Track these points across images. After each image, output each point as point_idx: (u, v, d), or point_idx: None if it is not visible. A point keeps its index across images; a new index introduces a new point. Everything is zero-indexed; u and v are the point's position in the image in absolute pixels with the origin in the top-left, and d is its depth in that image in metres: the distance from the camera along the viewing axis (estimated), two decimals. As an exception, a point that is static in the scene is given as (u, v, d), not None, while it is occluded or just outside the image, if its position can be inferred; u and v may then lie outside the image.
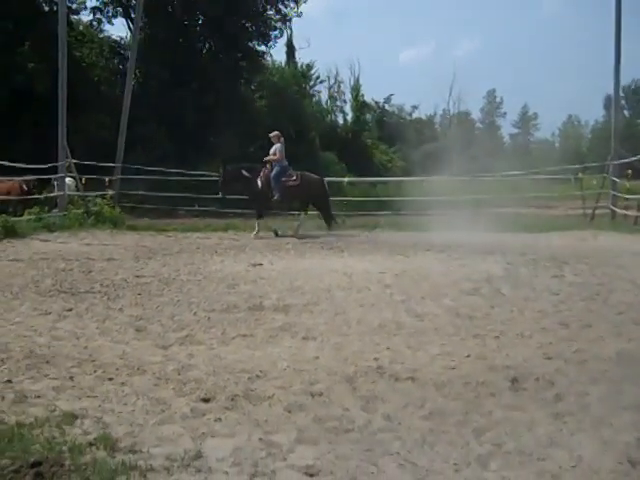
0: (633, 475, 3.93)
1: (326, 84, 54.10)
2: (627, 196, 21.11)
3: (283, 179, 18.20)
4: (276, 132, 18.89)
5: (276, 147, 18.47)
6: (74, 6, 36.61)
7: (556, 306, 8.55)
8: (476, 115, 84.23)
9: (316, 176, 19.56)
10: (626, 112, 71.32)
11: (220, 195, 19.50)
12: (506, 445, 4.35)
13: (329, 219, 19.22)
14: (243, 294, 9.49)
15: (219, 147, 34.07)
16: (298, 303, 8.83)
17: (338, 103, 54.39)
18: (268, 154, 18.58)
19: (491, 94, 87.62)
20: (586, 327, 7.42)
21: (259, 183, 18.39)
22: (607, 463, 4.06)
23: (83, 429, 4.56)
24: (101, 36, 38.88)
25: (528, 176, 28.77)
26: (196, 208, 25.02)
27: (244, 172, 18.64)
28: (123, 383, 5.57)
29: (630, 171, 22.00)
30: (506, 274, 10.97)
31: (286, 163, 18.57)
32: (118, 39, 39.35)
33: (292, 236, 17.89)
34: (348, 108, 52.72)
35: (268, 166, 18.46)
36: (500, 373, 5.77)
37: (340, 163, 40.38)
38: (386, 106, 61.68)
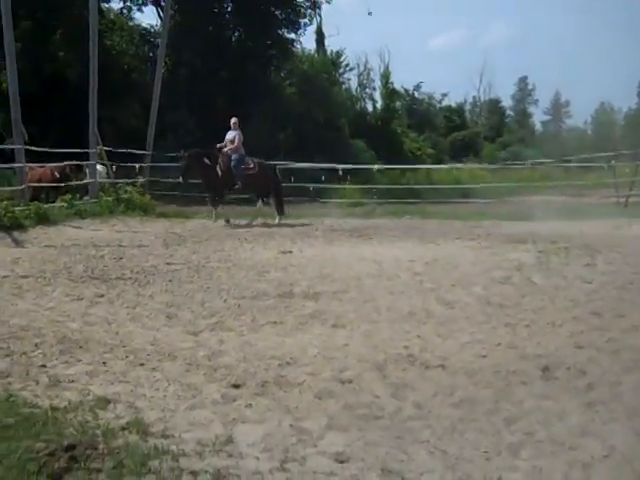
0: (666, 465, 3.89)
1: (356, 71, 53.89)
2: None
3: (242, 167, 17.84)
4: (235, 119, 18.52)
5: (235, 134, 18.14)
6: (105, -6, 36.80)
7: (588, 295, 8.46)
8: (507, 102, 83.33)
9: (269, 164, 19.37)
10: (661, 98, 70.06)
11: (182, 181, 19.13)
12: (537, 434, 4.33)
13: (281, 207, 18.72)
14: (273, 281, 9.51)
15: (249, 134, 34.10)
16: (328, 290, 8.84)
17: (367, 90, 54.15)
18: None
19: (522, 81, 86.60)
20: (619, 316, 7.33)
21: (219, 171, 17.95)
22: (640, 453, 4.03)
23: (116, 413, 4.62)
24: (131, 24, 39.01)
25: (560, 164, 28.45)
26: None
27: (205, 159, 18.19)
28: (154, 369, 5.62)
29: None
30: (537, 263, 10.88)
31: (243, 151, 18.18)
32: (148, 27, 39.52)
33: (247, 225, 17.67)
34: (377, 95, 52.44)
35: (224, 152, 18.05)
36: (531, 362, 5.73)
37: (369, 150, 40.22)
38: (416, 93, 61.36)
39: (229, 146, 18.03)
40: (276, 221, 18.10)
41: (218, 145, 18.27)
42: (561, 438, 4.25)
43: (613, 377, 5.32)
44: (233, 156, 17.86)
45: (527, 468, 3.89)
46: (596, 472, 3.85)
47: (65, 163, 20.27)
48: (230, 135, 18.23)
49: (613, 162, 24.81)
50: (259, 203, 18.89)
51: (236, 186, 18.19)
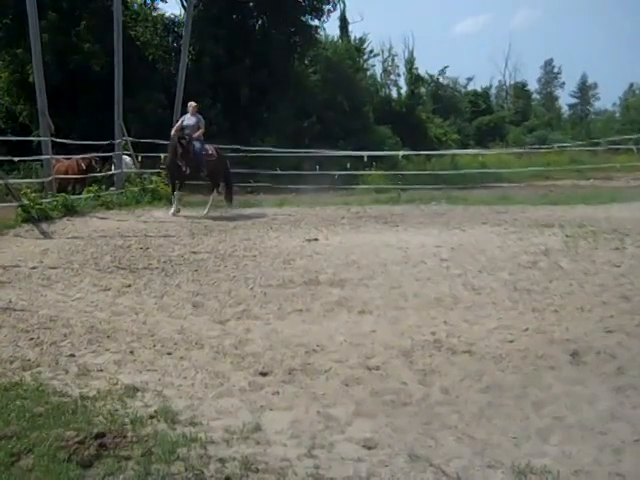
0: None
1: (380, 58, 53.67)
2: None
3: (203, 153, 17.10)
4: (194, 103, 17.61)
5: (199, 120, 17.28)
6: (128, -15, 36.91)
7: (617, 279, 8.38)
8: (533, 86, 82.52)
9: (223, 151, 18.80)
10: (690, 79, 68.93)
11: (168, 166, 17.62)
12: (567, 419, 4.31)
13: (231, 197, 18.05)
14: (299, 269, 9.51)
15: (273, 123, 34.13)
16: (354, 277, 8.82)
17: (392, 77, 53.94)
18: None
19: (548, 64, 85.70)
20: (648, 300, 7.26)
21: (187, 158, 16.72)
22: (671, 437, 3.99)
23: (144, 402, 4.66)
24: (155, 14, 39.13)
25: (587, 147, 28.15)
26: (250, 184, 25.15)
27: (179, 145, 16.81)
28: (182, 357, 5.65)
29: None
30: (565, 247, 10.78)
31: (202, 137, 17.35)
32: (172, 17, 39.59)
33: (203, 216, 16.55)
34: (402, 82, 52.24)
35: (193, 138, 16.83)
36: (560, 347, 5.69)
37: (394, 137, 40.08)
38: (440, 79, 60.92)
39: (197, 133, 17.01)
40: (228, 210, 17.32)
41: (195, 134, 16.97)
42: (591, 423, 4.23)
43: (643, 361, 5.26)
44: (196, 143, 16.91)
45: (556, 453, 3.87)
46: (626, 456, 3.82)
47: (91, 155, 20.41)
48: (191, 121, 17.19)
49: (642, 144, 24.52)
50: (214, 193, 17.83)
51: (202, 173, 17.37)
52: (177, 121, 17.38)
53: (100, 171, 20.81)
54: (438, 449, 3.95)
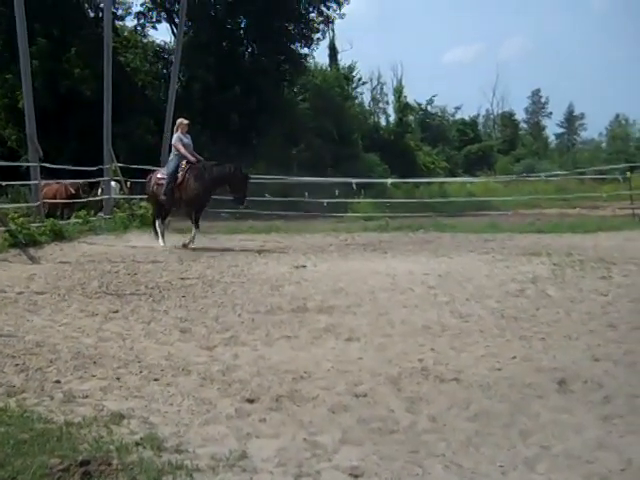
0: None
1: (369, 86, 54.15)
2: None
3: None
4: (186, 120, 16.28)
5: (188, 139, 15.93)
6: (119, 12, 37.24)
7: (604, 307, 8.40)
8: (520, 115, 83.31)
9: None
10: (675, 110, 69.80)
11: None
12: (554, 448, 4.29)
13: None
14: (287, 296, 9.51)
15: (262, 149, 34.26)
16: (341, 304, 8.82)
17: (381, 105, 54.40)
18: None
19: (536, 94, 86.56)
20: (635, 329, 7.27)
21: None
22: (658, 466, 3.99)
23: (130, 429, 4.62)
24: (145, 41, 39.40)
25: (574, 176, 28.41)
26: (239, 210, 25.14)
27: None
28: (169, 384, 5.62)
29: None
30: (552, 275, 10.81)
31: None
32: (162, 43, 39.87)
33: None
34: (391, 110, 52.66)
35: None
36: (547, 375, 5.69)
37: (383, 164, 40.33)
38: (429, 107, 61.46)
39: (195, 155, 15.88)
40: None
41: (189, 155, 15.66)
42: (577, 452, 4.21)
43: (630, 389, 5.27)
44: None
45: (543, 482, 3.86)
46: (613, 486, 3.81)
47: (77, 181, 20.42)
48: (189, 139, 16.01)
49: (628, 174, 24.76)
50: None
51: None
52: (178, 143, 15.61)
53: (87, 197, 20.82)
54: (425, 477, 3.93)
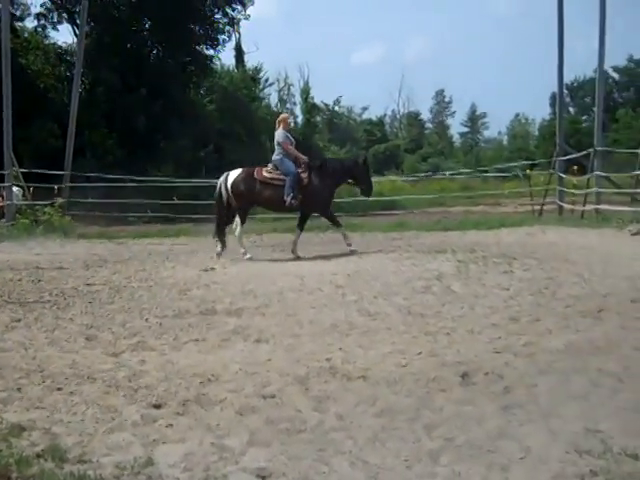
0: (580, 464, 3.99)
1: (276, 87, 54.22)
2: (574, 191, 21.50)
3: None
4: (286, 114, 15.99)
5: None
6: (18, 13, 36.14)
7: (506, 301, 8.64)
8: (426, 115, 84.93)
9: None
10: (571, 109, 72.38)
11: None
12: (457, 439, 4.39)
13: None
14: (195, 299, 9.43)
15: (170, 152, 33.88)
16: (250, 306, 8.81)
17: (288, 106, 54.54)
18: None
19: (440, 94, 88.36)
20: (535, 321, 7.52)
21: None
22: (555, 453, 4.12)
23: (31, 440, 4.48)
24: (47, 42, 38.38)
25: (478, 174, 29.15)
26: (148, 214, 24.80)
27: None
28: (72, 392, 5.48)
29: (576, 167, 22.44)
30: (457, 272, 11.05)
31: None
32: (64, 45, 38.90)
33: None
34: (298, 110, 52.87)
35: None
36: (451, 369, 5.81)
37: (292, 166, 40.38)
38: (336, 108, 61.98)
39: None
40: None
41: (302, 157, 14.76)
42: (479, 442, 4.32)
43: (529, 379, 5.44)
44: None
45: (447, 473, 3.95)
46: (513, 474, 3.93)
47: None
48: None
49: (528, 171, 25.57)
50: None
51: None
52: (287, 141, 14.49)
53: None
54: (332, 475, 3.97)
